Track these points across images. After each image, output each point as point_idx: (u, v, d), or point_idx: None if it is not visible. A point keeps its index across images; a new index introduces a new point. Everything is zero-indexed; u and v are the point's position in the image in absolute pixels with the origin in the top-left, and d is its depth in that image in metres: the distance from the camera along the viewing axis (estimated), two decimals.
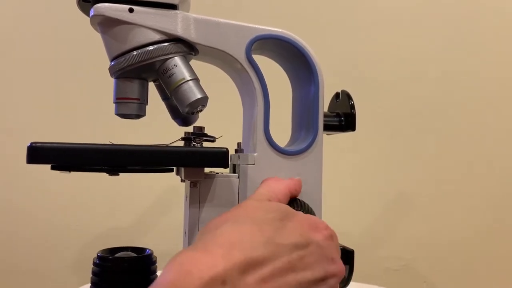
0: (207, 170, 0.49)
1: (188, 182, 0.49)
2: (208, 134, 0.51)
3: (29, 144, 0.41)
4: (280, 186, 0.44)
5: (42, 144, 0.41)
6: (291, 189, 0.45)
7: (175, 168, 0.54)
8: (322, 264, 0.35)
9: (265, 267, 0.31)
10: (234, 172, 0.53)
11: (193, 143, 0.51)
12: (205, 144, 0.51)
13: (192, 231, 0.48)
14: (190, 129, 0.52)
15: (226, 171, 0.51)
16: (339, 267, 0.37)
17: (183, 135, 0.52)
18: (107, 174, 0.47)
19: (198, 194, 0.48)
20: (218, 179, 0.49)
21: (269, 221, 0.35)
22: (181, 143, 0.51)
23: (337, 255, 0.38)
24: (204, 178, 0.48)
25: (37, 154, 0.41)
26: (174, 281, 0.28)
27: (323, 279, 0.34)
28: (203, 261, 0.29)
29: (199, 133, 0.51)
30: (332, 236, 0.38)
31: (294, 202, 0.46)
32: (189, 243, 0.48)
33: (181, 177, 0.51)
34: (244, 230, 0.33)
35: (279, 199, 0.43)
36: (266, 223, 0.35)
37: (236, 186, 0.50)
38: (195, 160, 0.45)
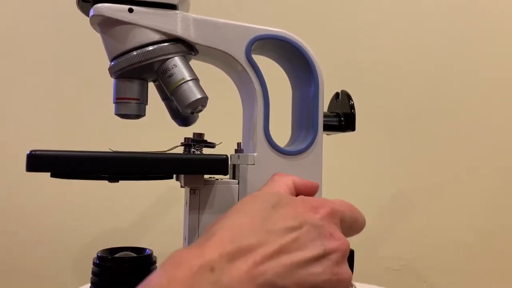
0: (206, 176, 0.49)
1: (187, 188, 0.49)
2: (208, 140, 0.51)
3: (28, 152, 0.40)
4: (284, 177, 0.44)
5: (42, 152, 0.41)
6: (296, 182, 0.44)
7: (174, 175, 0.54)
8: (318, 241, 0.34)
9: (254, 252, 0.31)
10: (234, 171, 0.53)
11: (193, 149, 0.51)
12: (205, 150, 0.51)
13: (192, 238, 0.48)
14: (189, 134, 0.52)
15: (225, 177, 0.51)
16: (340, 241, 0.36)
17: (182, 137, 0.52)
18: (107, 182, 0.47)
19: (197, 200, 0.48)
20: (217, 186, 0.49)
21: (261, 210, 0.35)
22: (181, 149, 0.51)
23: (337, 230, 0.37)
24: (203, 185, 0.48)
25: (37, 162, 0.41)
26: (165, 273, 0.29)
27: (323, 256, 0.34)
28: (192, 253, 0.30)
29: (199, 140, 0.51)
30: (331, 214, 0.37)
31: None
32: None
33: (180, 183, 0.51)
34: (234, 224, 0.34)
35: (281, 189, 0.42)
36: (258, 213, 0.35)
37: (235, 192, 0.50)
38: (194, 167, 0.45)
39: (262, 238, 0.32)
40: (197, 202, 0.48)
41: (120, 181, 0.47)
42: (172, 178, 0.51)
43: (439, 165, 1.02)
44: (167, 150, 0.50)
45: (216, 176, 0.51)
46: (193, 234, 0.48)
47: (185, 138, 0.51)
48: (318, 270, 0.33)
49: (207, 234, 0.34)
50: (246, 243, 0.32)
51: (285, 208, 0.36)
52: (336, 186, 0.93)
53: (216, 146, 0.52)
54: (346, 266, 0.36)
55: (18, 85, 0.93)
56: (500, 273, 1.03)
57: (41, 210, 0.92)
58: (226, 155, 0.46)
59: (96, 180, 0.45)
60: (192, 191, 0.48)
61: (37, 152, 0.41)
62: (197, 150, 0.50)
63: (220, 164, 0.45)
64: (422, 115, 1.03)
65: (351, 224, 0.40)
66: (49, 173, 0.43)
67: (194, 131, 0.52)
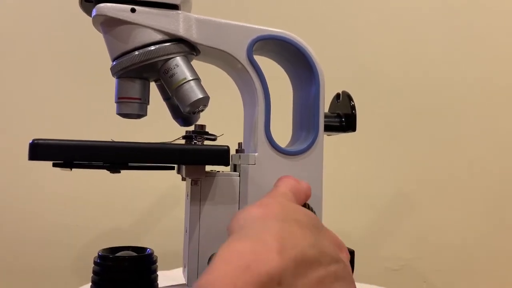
0: (207, 168, 0.50)
1: (189, 180, 0.49)
2: (209, 132, 0.52)
3: (31, 141, 0.41)
4: (301, 189, 0.42)
5: (44, 141, 0.41)
6: (307, 193, 0.44)
7: (176, 166, 0.54)
8: (348, 283, 0.34)
9: (314, 270, 0.30)
10: (234, 171, 0.53)
11: (194, 141, 0.51)
12: (206, 142, 0.51)
13: (193, 229, 0.48)
14: (191, 127, 0.52)
15: (227, 169, 0.52)
16: None
17: (184, 134, 0.52)
18: (108, 172, 0.47)
19: (199, 192, 0.48)
20: (218, 177, 0.49)
21: (311, 226, 0.34)
22: (182, 142, 0.51)
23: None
24: (205, 176, 0.48)
25: (39, 150, 0.41)
26: (232, 276, 0.26)
27: None
28: (261, 255, 0.27)
29: (200, 132, 0.51)
30: (349, 259, 0.37)
31: None
32: (190, 241, 0.48)
33: (182, 175, 0.51)
34: (292, 230, 0.31)
35: (300, 203, 0.42)
36: (309, 228, 0.33)
37: (236, 184, 0.50)
38: (196, 157, 0.46)
39: (319, 255, 0.31)
40: (199, 194, 0.48)
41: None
42: (173, 169, 0.51)
43: (439, 165, 1.02)
44: (169, 142, 0.50)
45: (217, 169, 0.51)
46: (194, 226, 0.48)
47: (186, 131, 0.52)
48: None
49: (261, 227, 0.31)
50: (308, 254, 0.30)
51: (326, 235, 0.35)
52: (337, 186, 0.93)
53: (218, 139, 0.52)
54: None
55: (19, 86, 0.94)
56: (500, 273, 1.03)
57: (42, 209, 0.92)
58: (228, 146, 0.46)
59: (97, 172, 0.45)
60: (194, 182, 0.48)
61: (40, 141, 0.41)
62: (198, 141, 0.51)
63: (222, 155, 0.45)
64: (422, 116, 1.03)
65: None
66: (50, 166, 0.44)
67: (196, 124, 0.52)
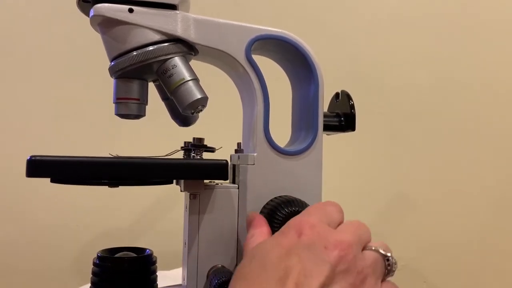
0: (206, 180, 0.49)
1: (187, 193, 0.49)
2: (208, 140, 0.51)
3: (28, 158, 0.40)
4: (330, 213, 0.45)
5: (41, 158, 0.41)
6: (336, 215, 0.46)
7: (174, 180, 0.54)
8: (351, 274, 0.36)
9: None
10: (233, 172, 0.53)
11: (193, 154, 0.50)
12: (205, 154, 0.51)
13: (192, 243, 0.48)
14: (190, 134, 0.52)
15: (225, 181, 0.51)
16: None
17: (183, 137, 0.52)
18: (107, 187, 0.47)
19: (197, 205, 0.48)
20: (217, 190, 0.49)
21: (320, 259, 0.36)
22: (180, 153, 0.51)
23: (355, 241, 0.38)
24: (203, 190, 0.48)
25: (36, 168, 0.41)
26: None
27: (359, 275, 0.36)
28: None
29: (199, 145, 0.51)
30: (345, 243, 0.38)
31: (293, 202, 0.46)
32: (189, 255, 0.48)
33: (180, 188, 0.50)
34: (304, 265, 0.34)
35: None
36: (320, 258, 0.36)
37: (235, 197, 0.50)
38: (194, 172, 0.45)
39: (332, 275, 0.34)
40: (197, 207, 0.48)
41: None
42: (172, 183, 0.51)
43: (439, 165, 1.02)
44: (167, 155, 0.50)
45: (216, 181, 0.51)
46: (193, 239, 0.48)
47: (185, 143, 0.51)
48: None
49: (262, 266, 0.33)
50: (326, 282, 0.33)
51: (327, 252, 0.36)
52: (336, 186, 0.93)
53: (216, 151, 0.52)
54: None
55: (17, 86, 0.93)
56: (500, 274, 1.03)
57: (41, 210, 0.92)
58: (226, 160, 0.46)
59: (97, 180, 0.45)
60: (192, 196, 0.48)
61: (37, 158, 0.40)
62: (197, 154, 0.50)
63: (220, 169, 0.45)
64: (422, 115, 1.03)
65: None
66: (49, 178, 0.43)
67: (194, 135, 0.52)
